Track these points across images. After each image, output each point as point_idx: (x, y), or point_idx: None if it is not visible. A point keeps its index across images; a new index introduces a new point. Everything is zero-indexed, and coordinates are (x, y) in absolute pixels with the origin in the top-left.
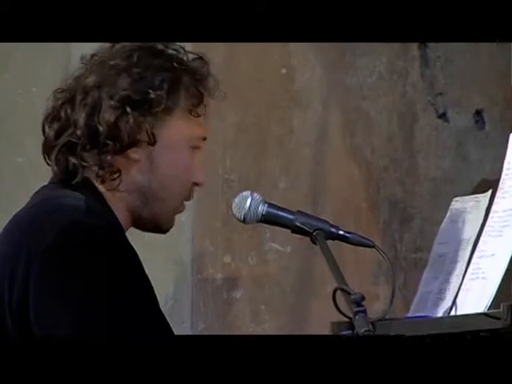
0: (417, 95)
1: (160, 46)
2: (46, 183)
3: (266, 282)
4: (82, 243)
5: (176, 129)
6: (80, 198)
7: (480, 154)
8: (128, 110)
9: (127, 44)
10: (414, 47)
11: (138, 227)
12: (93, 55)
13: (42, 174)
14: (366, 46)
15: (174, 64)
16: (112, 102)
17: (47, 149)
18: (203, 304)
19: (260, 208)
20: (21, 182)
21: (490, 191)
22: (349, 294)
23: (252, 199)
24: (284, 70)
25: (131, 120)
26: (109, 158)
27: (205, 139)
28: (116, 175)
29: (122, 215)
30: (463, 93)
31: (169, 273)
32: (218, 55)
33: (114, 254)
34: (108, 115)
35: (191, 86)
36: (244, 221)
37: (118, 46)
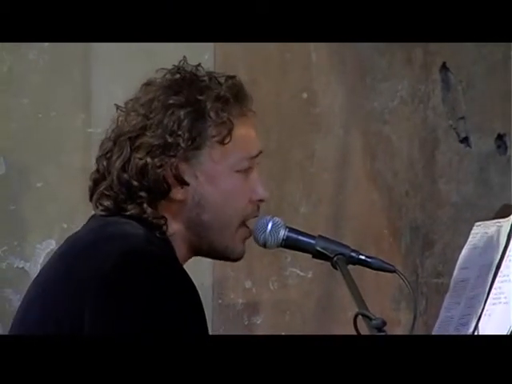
0: (438, 120)
1: (188, 77)
2: (62, 209)
3: (286, 308)
4: (142, 271)
5: (211, 161)
6: (139, 227)
7: (502, 179)
8: (149, 159)
9: (154, 84)
10: (435, 71)
11: (207, 257)
12: (127, 102)
13: (60, 199)
14: (387, 70)
15: (197, 96)
16: (138, 155)
17: (89, 197)
18: (224, 329)
19: (281, 232)
20: (40, 208)
21: (511, 216)
22: (370, 319)
23: (273, 224)
24: (305, 95)
25: (156, 168)
26: (149, 207)
27: (256, 156)
28: (162, 221)
29: (180, 248)
30: (485, 117)
31: None
32: None
33: (172, 283)
34: (135, 167)
35: (216, 114)
36: (265, 245)
37: (145, 87)
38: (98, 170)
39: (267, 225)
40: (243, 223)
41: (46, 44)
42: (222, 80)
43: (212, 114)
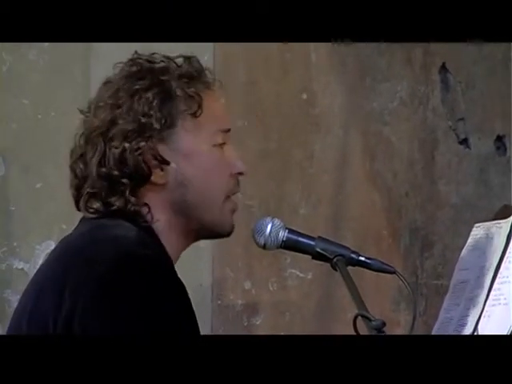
0: (438, 121)
1: (146, 64)
2: (61, 210)
3: (286, 309)
4: (136, 273)
5: (188, 136)
6: (131, 229)
7: (501, 180)
8: (126, 145)
9: (113, 79)
10: (434, 72)
11: (200, 239)
12: (90, 102)
13: (59, 199)
14: (387, 70)
15: (160, 77)
16: (113, 143)
17: (76, 205)
18: (223, 330)
19: (280, 234)
20: (39, 208)
21: (511, 217)
22: (369, 320)
23: (272, 225)
24: (305, 95)
25: (134, 152)
26: (132, 196)
27: (228, 131)
28: (146, 209)
29: (170, 237)
30: (484, 118)
31: None
32: (239, 80)
33: (166, 285)
34: (113, 157)
35: (183, 90)
36: (264, 247)
37: (104, 85)
38: (76, 176)
39: (267, 226)
40: (227, 198)
41: (46, 44)
42: (180, 61)
43: (179, 91)
